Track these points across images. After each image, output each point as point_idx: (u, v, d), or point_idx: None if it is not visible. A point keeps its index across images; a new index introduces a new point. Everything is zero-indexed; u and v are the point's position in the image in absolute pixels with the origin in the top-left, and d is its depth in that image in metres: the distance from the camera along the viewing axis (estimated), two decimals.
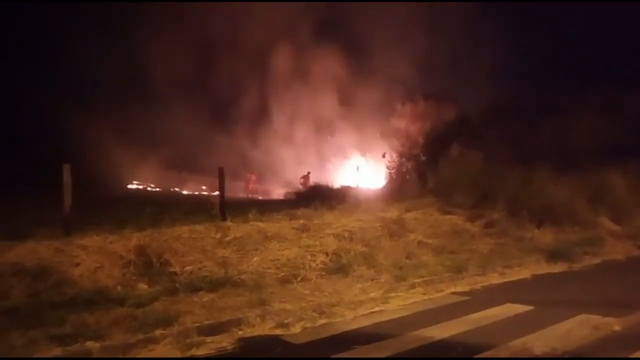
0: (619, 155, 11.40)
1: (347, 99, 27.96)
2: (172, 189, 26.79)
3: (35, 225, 7.95)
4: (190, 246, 7.62)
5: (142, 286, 6.64)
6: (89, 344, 4.74)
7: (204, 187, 27.45)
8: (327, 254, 7.70)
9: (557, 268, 7.86)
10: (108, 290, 6.34)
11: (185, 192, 27.02)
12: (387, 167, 22.25)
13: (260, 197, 23.70)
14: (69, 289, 6.29)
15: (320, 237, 8.37)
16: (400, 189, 17.33)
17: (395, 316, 5.57)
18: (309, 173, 24.38)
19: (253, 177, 24.40)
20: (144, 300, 5.99)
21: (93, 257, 6.90)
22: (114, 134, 22.01)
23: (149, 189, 26.90)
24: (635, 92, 14.78)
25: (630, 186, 10.86)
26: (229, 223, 8.50)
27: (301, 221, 8.95)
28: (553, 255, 8.25)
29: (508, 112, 18.28)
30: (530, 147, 12.83)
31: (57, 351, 4.58)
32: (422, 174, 15.47)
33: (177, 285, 6.58)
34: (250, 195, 23.44)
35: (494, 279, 7.28)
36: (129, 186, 26.50)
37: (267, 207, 10.45)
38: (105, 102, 22.94)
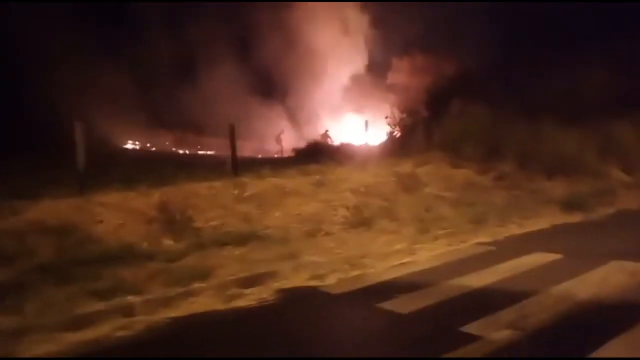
0: (627, 107, 11.38)
1: (342, 54, 27.45)
2: (171, 149, 26.54)
3: (46, 185, 7.85)
4: (210, 202, 7.60)
5: (168, 242, 6.65)
6: (130, 298, 4.76)
7: (198, 147, 27.19)
8: (347, 208, 7.73)
9: (574, 218, 7.95)
10: (134, 247, 6.33)
11: (182, 152, 26.81)
12: (388, 123, 22.08)
13: (259, 156, 23.57)
14: (94, 246, 6.27)
15: (337, 192, 8.39)
16: (403, 144, 17.31)
17: (427, 266, 5.63)
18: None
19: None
20: (174, 256, 6.01)
21: (115, 214, 6.87)
22: (104, 92, 21.55)
23: (146, 148, 26.63)
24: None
25: (639, 137, 10.90)
26: (245, 179, 8.45)
27: (317, 177, 8.92)
28: (568, 205, 8.34)
29: (511, 65, 18.13)
30: (537, 100, 12.76)
31: (99, 305, 4.59)
32: (427, 129, 15.36)
33: (203, 240, 6.58)
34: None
35: (514, 229, 7.35)
36: (125, 146, 26.25)
37: (273, 165, 10.39)
38: (96, 58, 22.18)
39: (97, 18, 20.63)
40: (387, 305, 4.35)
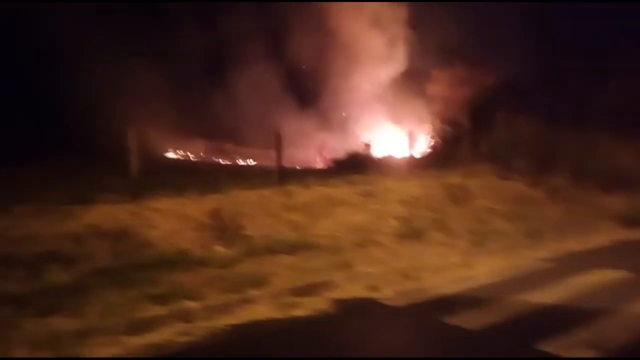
0: None
1: (379, 61, 27.07)
2: (210, 158, 26.84)
3: (97, 190, 8.04)
4: (259, 210, 7.61)
5: (219, 249, 6.66)
6: (188, 303, 4.77)
7: (237, 157, 27.29)
8: (397, 219, 7.60)
9: (635, 235, 7.59)
10: (187, 252, 6.37)
11: (222, 162, 26.98)
12: (429, 135, 21.81)
13: (297, 167, 23.51)
14: (149, 250, 6.34)
15: (386, 203, 8.29)
16: (447, 156, 17.03)
17: (487, 281, 5.45)
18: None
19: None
20: (227, 262, 6.02)
21: (168, 220, 6.95)
22: (140, 97, 21.81)
23: (186, 157, 27.01)
24: None
25: None
26: (292, 188, 8.45)
27: (364, 187, 8.84)
28: (628, 221, 8.00)
29: (563, 74, 17.62)
30: (591, 110, 12.33)
31: (159, 310, 4.62)
32: (473, 140, 15.07)
33: (254, 247, 6.58)
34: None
35: (573, 245, 7.08)
36: (167, 155, 26.71)
37: (315, 175, 10.34)
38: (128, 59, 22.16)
39: (126, 18, 20.70)
40: (453, 320, 4.21)
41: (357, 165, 16.45)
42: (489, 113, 17.11)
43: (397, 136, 25.90)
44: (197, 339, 4.18)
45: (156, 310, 4.62)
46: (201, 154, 27.39)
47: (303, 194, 8.28)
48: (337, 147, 25.59)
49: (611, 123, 11.15)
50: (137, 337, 4.21)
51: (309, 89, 26.11)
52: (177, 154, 28.07)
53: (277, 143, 9.83)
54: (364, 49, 26.54)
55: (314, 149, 22.70)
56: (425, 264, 6.08)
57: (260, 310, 4.73)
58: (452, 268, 5.95)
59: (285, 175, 9.50)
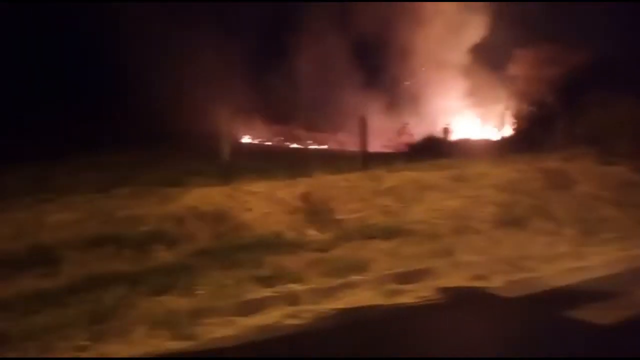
0: None
1: (455, 39, 25.72)
2: (286, 144, 26.92)
3: (189, 174, 8.28)
4: (348, 194, 7.52)
5: (312, 232, 6.65)
6: (293, 286, 4.78)
7: (309, 142, 27.08)
8: (495, 205, 7.23)
9: None
10: (282, 235, 6.42)
11: (297, 146, 26.95)
12: (513, 117, 20.76)
13: (371, 150, 23.06)
14: (246, 232, 6.44)
15: (479, 188, 7.92)
16: (534, 138, 16.11)
17: (605, 273, 5.06)
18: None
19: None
20: (323, 246, 6.00)
21: (262, 203, 7.02)
22: (210, 83, 22.11)
23: (261, 143, 27.29)
24: None
25: None
26: (379, 172, 8.29)
27: (454, 171, 8.51)
28: None
29: None
30: None
31: (265, 292, 4.66)
32: (565, 122, 14.14)
33: (347, 232, 6.50)
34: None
35: None
36: (243, 140, 27.15)
37: (397, 160, 10.07)
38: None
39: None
40: (578, 314, 3.91)
41: (435, 149, 15.98)
42: (579, 93, 16.04)
43: (476, 118, 24.94)
44: (305, 322, 4.16)
45: (263, 292, 4.66)
46: (275, 138, 27.62)
47: (391, 179, 8.09)
48: (413, 130, 24.76)
49: None
50: (247, 318, 4.25)
51: (381, 68, 25.07)
52: (252, 138, 28.53)
53: (362, 127, 9.66)
54: (441, 23, 25.19)
55: (391, 132, 22.13)
56: (533, 253, 5.74)
57: (364, 295, 4.64)
58: (563, 258, 5.57)
59: (367, 160, 9.36)
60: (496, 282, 4.91)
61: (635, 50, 17.60)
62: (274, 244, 6.07)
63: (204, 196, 7.03)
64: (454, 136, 21.59)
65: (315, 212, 7.02)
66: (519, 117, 21.23)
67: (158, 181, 8.06)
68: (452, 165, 9.09)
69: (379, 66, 24.51)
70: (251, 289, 4.70)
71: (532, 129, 18.49)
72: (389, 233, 6.39)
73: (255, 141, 28.10)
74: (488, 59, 24.90)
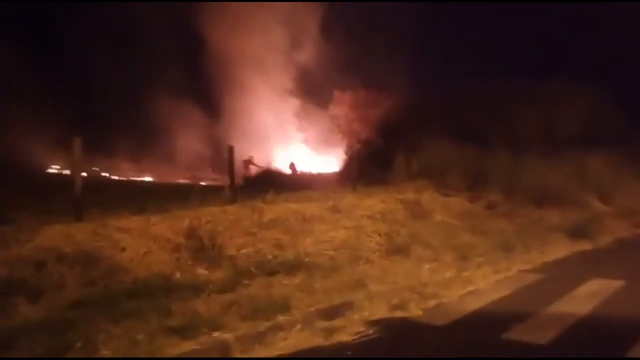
0: (596, 142, 12.29)
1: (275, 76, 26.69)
2: (105, 174, 24.29)
3: (37, 211, 6.95)
4: (233, 228, 7.02)
5: (202, 271, 6.01)
6: (217, 335, 4.17)
7: (130, 172, 24.86)
8: (377, 235, 7.46)
9: (586, 246, 8.28)
10: (170, 277, 5.66)
11: (117, 178, 24.54)
12: (345, 152, 22.18)
13: (203, 183, 22.21)
14: (125, 276, 5.53)
15: (356, 219, 8.10)
16: (369, 173, 17.33)
17: (501, 294, 5.52)
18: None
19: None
20: (225, 286, 5.41)
21: (137, 241, 6.12)
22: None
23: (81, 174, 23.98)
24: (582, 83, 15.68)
25: (609, 170, 11.74)
26: (259, 204, 7.97)
27: (329, 203, 8.61)
28: (573, 234, 8.69)
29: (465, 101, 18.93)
30: (512, 133, 13.40)
31: (190, 344, 3.97)
32: (405, 159, 15.52)
33: (242, 269, 6.02)
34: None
35: (540, 256, 7.52)
36: (49, 170, 23.77)
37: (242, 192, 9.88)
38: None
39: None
40: (515, 335, 4.14)
41: (275, 182, 16.11)
42: (400, 133, 17.89)
43: (306, 154, 26.02)
44: None
45: (186, 345, 3.97)
46: (93, 168, 24.59)
47: (272, 210, 7.81)
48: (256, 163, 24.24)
49: (533, 146, 12.19)
50: None
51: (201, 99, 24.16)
52: (57, 169, 25.10)
53: (230, 157, 9.27)
54: (257, 60, 25.55)
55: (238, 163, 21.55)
56: (427, 280, 6.01)
57: (301, 337, 4.28)
58: (455, 283, 5.95)
59: (235, 192, 8.96)
60: (415, 311, 4.98)
61: (439, 97, 20.19)
62: (165, 288, 5.30)
63: (62, 235, 5.85)
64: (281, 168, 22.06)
65: (201, 248, 6.36)
66: (349, 153, 22.67)
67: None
68: (324, 197, 9.20)
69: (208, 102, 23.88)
70: (170, 342, 3.96)
71: (364, 163, 19.90)
72: (289, 267, 6.09)
73: (65, 171, 24.50)
74: (313, 96, 26.28)
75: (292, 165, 22.82)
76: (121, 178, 24.54)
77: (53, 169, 24.38)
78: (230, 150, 9.28)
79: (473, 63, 20.79)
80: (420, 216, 9.03)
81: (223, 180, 21.47)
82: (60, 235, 5.86)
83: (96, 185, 16.08)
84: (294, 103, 26.85)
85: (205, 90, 23.92)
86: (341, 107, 28.60)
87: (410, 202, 9.40)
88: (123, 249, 5.92)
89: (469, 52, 21.20)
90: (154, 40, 21.60)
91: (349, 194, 9.89)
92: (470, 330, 4.43)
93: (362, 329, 4.51)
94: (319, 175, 22.78)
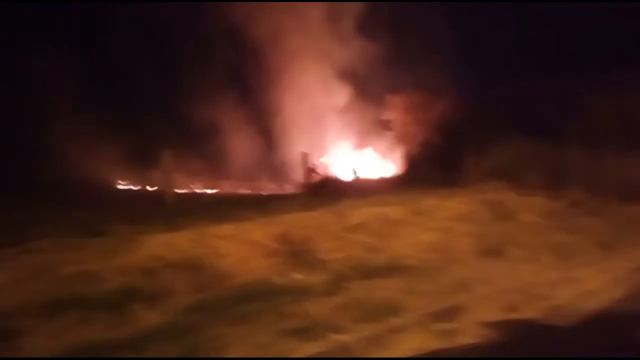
0: None
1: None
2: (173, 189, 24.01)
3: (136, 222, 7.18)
4: (321, 233, 7.06)
5: (299, 276, 6.04)
6: (337, 337, 4.18)
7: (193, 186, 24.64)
8: (467, 237, 7.30)
9: None
10: (271, 281, 5.73)
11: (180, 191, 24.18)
12: (404, 156, 21.93)
13: (263, 192, 22.22)
14: (230, 281, 5.65)
15: (442, 221, 7.98)
16: (431, 175, 17.04)
17: (616, 294, 5.26)
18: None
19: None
20: (328, 289, 5.42)
21: (235, 248, 6.28)
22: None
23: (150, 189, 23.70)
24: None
25: None
26: (343, 209, 7.98)
27: (412, 205, 8.51)
28: None
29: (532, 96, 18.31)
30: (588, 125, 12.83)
31: (314, 346, 3.98)
32: (473, 159, 15.15)
33: (338, 272, 6.02)
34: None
35: None
36: (119, 186, 24.07)
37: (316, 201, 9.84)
38: None
39: None
40: None
41: (338, 189, 16.05)
42: (467, 133, 17.50)
43: (364, 159, 25.74)
44: None
45: (310, 347, 3.98)
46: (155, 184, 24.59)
47: (355, 215, 7.80)
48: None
49: (610, 139, 11.62)
50: None
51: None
52: (126, 184, 25.57)
53: (304, 163, 9.36)
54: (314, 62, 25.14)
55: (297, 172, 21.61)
56: (532, 281, 5.80)
57: (419, 340, 4.18)
58: (564, 284, 5.69)
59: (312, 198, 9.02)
60: (529, 313, 4.80)
61: (502, 93, 19.52)
62: (269, 292, 5.37)
63: (165, 244, 6.06)
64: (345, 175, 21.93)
65: (295, 253, 6.43)
66: (410, 156, 22.39)
67: (78, 231, 6.81)
68: (400, 201, 9.09)
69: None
70: (291, 345, 3.99)
71: (427, 166, 19.57)
72: (385, 271, 6.05)
73: (136, 187, 24.81)
74: (364, 99, 25.68)
75: (353, 171, 22.68)
76: (184, 191, 24.67)
77: (122, 185, 24.64)
78: (304, 157, 9.36)
79: (536, 56, 20.09)
80: (506, 217, 8.77)
81: (283, 190, 21.70)
82: (163, 244, 6.07)
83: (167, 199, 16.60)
84: (345, 107, 26.44)
85: (253, 94, 23.74)
86: (395, 110, 28.26)
87: (491, 203, 9.15)
88: (224, 256, 6.06)
89: (531, 45, 20.46)
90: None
91: (425, 196, 9.71)
92: (598, 331, 4.22)
93: (481, 331, 4.37)
94: (381, 180, 22.58)
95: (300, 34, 24.68)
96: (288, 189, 21.60)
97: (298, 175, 21.89)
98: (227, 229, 6.59)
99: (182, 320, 4.60)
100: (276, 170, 25.24)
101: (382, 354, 3.99)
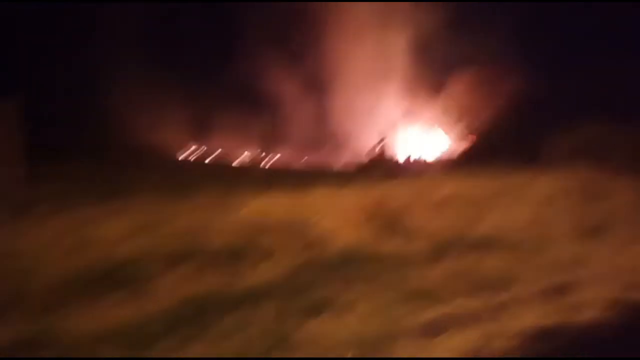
0: None
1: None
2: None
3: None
4: (413, 204, 6.99)
5: (397, 243, 6.00)
6: (460, 302, 4.15)
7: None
8: (566, 214, 7.04)
9: None
10: (369, 247, 5.73)
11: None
12: (474, 134, 21.49)
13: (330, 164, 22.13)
14: (329, 245, 5.70)
15: (532, 198, 7.70)
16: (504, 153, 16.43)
17: None
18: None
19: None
20: (432, 258, 5.38)
21: (331, 212, 6.29)
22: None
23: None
24: None
25: None
26: (431, 181, 7.89)
27: (498, 181, 8.28)
28: None
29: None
30: None
31: (436, 309, 3.96)
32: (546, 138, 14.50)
33: (436, 243, 5.95)
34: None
35: None
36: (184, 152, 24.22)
37: None
38: None
39: None
40: None
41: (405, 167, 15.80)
42: (541, 111, 16.77)
43: (428, 136, 25.01)
44: (512, 344, 3.54)
45: (433, 310, 3.96)
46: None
47: (443, 189, 7.68)
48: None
49: None
50: (440, 340, 3.54)
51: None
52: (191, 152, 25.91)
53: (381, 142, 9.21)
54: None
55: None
56: None
57: (539, 314, 4.08)
58: None
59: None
60: None
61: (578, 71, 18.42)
62: (371, 258, 5.38)
63: (263, 207, 6.16)
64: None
65: (389, 221, 6.40)
66: (479, 133, 21.77)
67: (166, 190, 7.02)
68: (482, 176, 8.86)
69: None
70: (413, 308, 3.99)
71: (499, 145, 18.91)
72: (486, 244, 5.92)
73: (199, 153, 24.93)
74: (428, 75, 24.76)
75: (418, 149, 22.36)
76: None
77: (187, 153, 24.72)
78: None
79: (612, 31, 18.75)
80: (599, 197, 8.39)
81: (347, 162, 21.47)
82: (261, 206, 6.19)
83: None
84: (410, 83, 25.66)
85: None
86: (466, 84, 27.05)
87: (582, 182, 8.77)
88: (320, 220, 6.12)
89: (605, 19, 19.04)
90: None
91: (509, 174, 9.41)
92: None
93: (603, 308, 4.22)
94: (450, 158, 22.08)
95: (365, 8, 24.22)
96: (352, 162, 21.56)
97: (362, 149, 21.79)
98: (319, 194, 6.63)
99: (295, 277, 4.69)
100: (338, 143, 25.13)
101: (506, 321, 3.92)
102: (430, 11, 22.22)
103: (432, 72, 23.52)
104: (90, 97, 16.22)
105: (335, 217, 6.24)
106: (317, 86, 22.36)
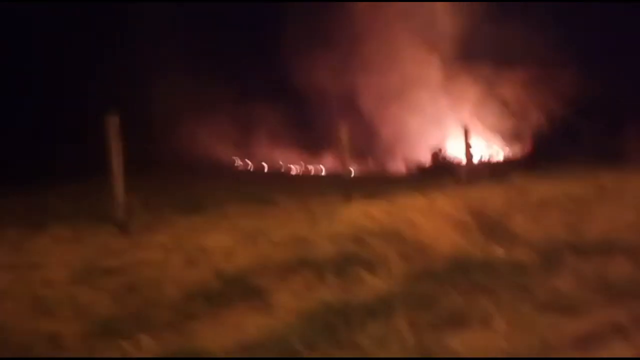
0: None
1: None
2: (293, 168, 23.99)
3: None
4: (508, 208, 6.74)
5: (500, 251, 5.77)
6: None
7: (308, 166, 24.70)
8: None
9: None
10: (473, 255, 5.52)
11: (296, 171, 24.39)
12: (526, 134, 20.92)
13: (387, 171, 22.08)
14: (433, 252, 5.53)
15: (631, 199, 7.32)
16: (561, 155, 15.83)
17: None
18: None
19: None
20: (539, 265, 5.13)
21: (426, 219, 6.13)
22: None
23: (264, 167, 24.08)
24: None
25: None
26: (523, 185, 7.62)
27: (591, 182, 7.93)
28: None
29: None
30: None
31: (574, 322, 3.74)
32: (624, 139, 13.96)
33: (540, 249, 5.67)
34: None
35: None
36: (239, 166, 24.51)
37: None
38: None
39: None
40: None
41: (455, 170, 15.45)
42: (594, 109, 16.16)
43: (477, 138, 24.44)
44: None
45: (572, 323, 3.73)
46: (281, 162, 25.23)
47: (537, 191, 7.40)
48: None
49: None
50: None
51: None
52: (241, 162, 26.37)
53: (466, 136, 9.05)
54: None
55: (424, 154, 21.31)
56: None
57: None
58: None
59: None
60: None
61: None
62: (484, 265, 5.17)
63: (364, 213, 6.07)
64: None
65: (489, 227, 6.17)
66: (534, 135, 21.25)
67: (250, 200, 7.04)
68: (568, 178, 8.54)
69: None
70: (557, 319, 3.77)
71: (560, 144, 18.25)
72: (599, 249, 5.61)
73: (248, 166, 25.46)
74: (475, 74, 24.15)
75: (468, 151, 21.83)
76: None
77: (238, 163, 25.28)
78: (466, 130, 9.05)
79: None
80: None
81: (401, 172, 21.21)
82: (362, 213, 6.10)
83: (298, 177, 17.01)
84: (457, 82, 25.15)
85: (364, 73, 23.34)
86: (512, 86, 26.54)
87: None
88: (418, 227, 5.97)
89: None
90: None
91: (599, 174, 9.03)
92: None
93: None
94: (504, 160, 21.62)
95: (410, 8, 24.01)
96: (408, 169, 21.30)
97: (414, 155, 21.50)
98: (417, 201, 6.50)
99: (412, 287, 4.56)
100: (386, 150, 24.98)
101: None
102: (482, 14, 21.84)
103: (488, 75, 23.12)
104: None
105: (436, 224, 6.09)
106: (380, 95, 22.49)
